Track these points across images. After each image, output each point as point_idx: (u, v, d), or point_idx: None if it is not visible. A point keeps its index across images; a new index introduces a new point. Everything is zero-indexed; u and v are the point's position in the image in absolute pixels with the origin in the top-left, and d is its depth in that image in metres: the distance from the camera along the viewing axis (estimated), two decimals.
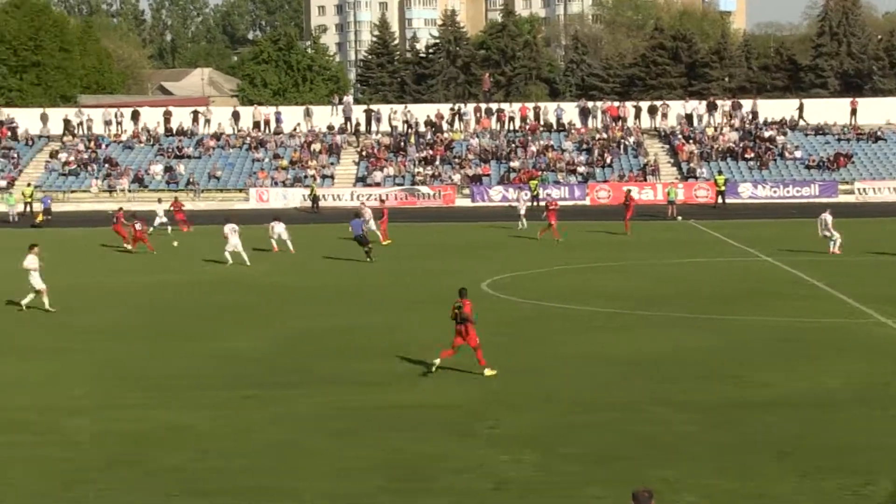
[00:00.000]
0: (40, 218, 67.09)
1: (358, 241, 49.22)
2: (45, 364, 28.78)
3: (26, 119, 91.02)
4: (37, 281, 36.18)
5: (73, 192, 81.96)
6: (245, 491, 18.94)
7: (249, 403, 24.51)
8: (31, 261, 36.23)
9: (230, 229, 48.24)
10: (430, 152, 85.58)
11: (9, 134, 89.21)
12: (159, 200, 65.27)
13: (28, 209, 74.16)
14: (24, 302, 36.25)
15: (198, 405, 24.34)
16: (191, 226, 62.31)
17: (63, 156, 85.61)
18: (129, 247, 52.76)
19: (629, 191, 64.63)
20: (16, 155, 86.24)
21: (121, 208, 58.13)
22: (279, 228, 52.64)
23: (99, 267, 48.62)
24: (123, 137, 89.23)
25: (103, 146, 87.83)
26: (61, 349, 30.76)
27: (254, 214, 71.83)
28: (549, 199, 63.38)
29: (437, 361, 26.74)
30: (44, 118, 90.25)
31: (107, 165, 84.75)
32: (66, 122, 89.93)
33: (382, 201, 61.97)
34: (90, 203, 79.51)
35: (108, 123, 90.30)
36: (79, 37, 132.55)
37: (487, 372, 26.56)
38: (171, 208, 63.41)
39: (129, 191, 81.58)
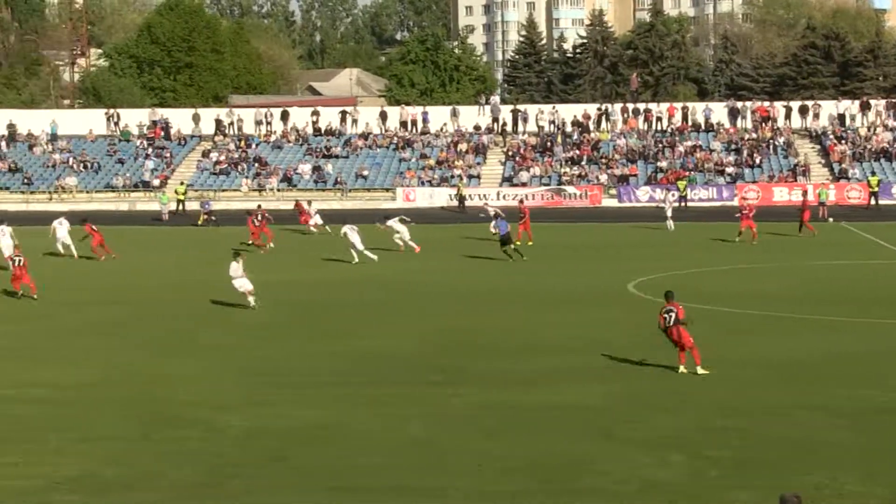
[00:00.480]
0: (202, 219, 68.19)
1: (502, 240, 49.22)
2: (198, 360, 29.32)
3: (179, 119, 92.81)
4: (242, 284, 36.67)
5: (223, 191, 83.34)
6: (392, 489, 19.05)
7: (396, 401, 24.66)
8: (234, 269, 36.64)
9: (349, 229, 48.86)
10: (577, 152, 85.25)
11: (162, 134, 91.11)
12: (308, 203, 66.01)
13: (180, 207, 75.63)
14: (251, 302, 36.72)
15: (345, 403, 24.56)
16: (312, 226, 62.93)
17: (214, 155, 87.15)
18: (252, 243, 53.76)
19: (805, 192, 64.54)
20: (169, 154, 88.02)
21: (259, 206, 59.27)
22: (399, 227, 52.95)
23: (248, 265, 49.22)
24: (273, 137, 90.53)
25: (253, 146, 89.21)
26: (215, 346, 31.30)
27: (398, 214, 72.35)
28: (746, 202, 62.89)
29: (682, 368, 26.65)
30: (196, 118, 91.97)
31: (256, 165, 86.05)
32: (218, 122, 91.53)
33: (522, 202, 61.95)
34: (240, 202, 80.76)
35: (258, 123, 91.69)
36: (230, 38, 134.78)
37: (700, 370, 26.39)
38: (295, 209, 64.24)
39: (278, 190, 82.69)
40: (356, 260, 47.96)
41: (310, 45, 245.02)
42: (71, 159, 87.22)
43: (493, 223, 52.38)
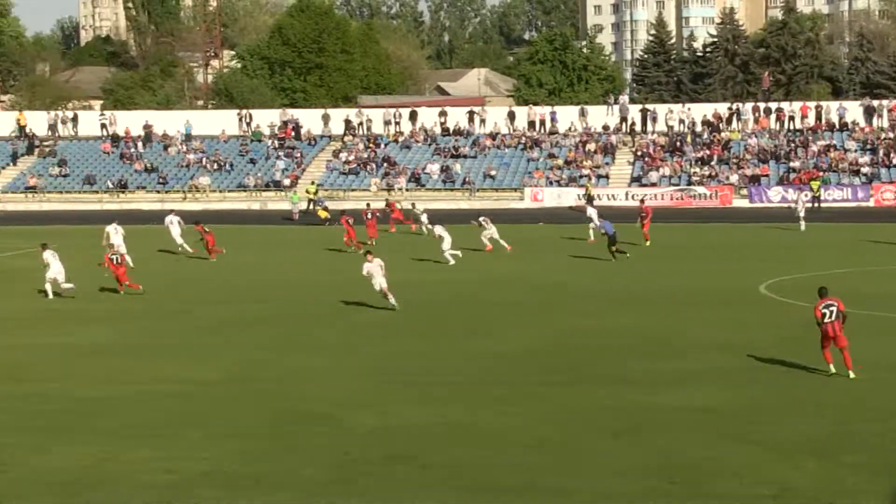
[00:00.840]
0: (324, 214, 68.84)
1: (610, 240, 48.95)
2: (328, 358, 29.56)
3: (309, 119, 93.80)
4: (378, 282, 36.73)
5: (352, 190, 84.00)
6: (519, 488, 19.00)
7: (524, 401, 24.60)
8: (366, 268, 36.70)
9: (441, 230, 49.13)
10: (707, 152, 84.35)
11: (293, 134, 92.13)
12: (413, 205, 66.27)
13: (311, 207, 76.45)
14: (392, 302, 36.75)
15: (474, 402, 24.57)
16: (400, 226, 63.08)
17: (344, 155, 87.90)
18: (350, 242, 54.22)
19: None
20: (299, 154, 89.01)
21: (368, 205, 59.91)
22: (489, 226, 52.90)
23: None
24: (401, 137, 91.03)
25: (382, 145, 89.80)
26: (345, 344, 31.54)
27: (526, 214, 72.34)
28: None
29: (832, 368, 26.16)
30: (325, 118, 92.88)
31: (385, 164, 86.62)
32: (347, 122, 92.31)
33: (643, 201, 61.43)
34: (369, 201, 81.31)
35: (387, 123, 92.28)
36: (360, 39, 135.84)
37: (852, 374, 25.86)
38: (387, 209, 64.52)
39: (406, 189, 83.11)
40: (451, 262, 48.03)
41: (438, 45, 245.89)
42: (204, 159, 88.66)
43: (596, 223, 52.33)
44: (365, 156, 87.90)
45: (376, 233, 56.99)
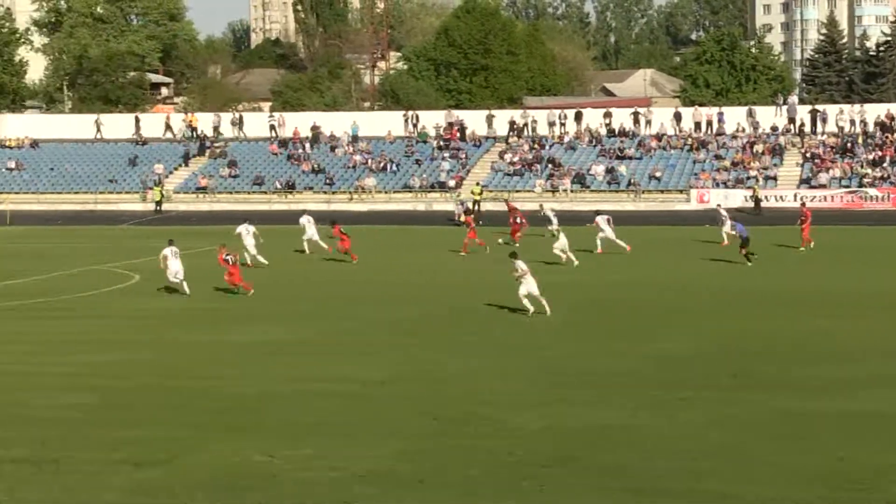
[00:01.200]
0: (463, 219, 68.80)
1: (742, 242, 48.16)
2: (492, 359, 29.64)
3: (474, 120, 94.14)
4: (527, 287, 36.49)
5: (517, 191, 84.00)
6: (682, 492, 18.85)
7: (687, 405, 24.39)
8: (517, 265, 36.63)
9: (558, 230, 49.02)
10: (879, 153, 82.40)
11: (458, 135, 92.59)
12: (540, 206, 65.81)
13: (476, 208, 76.76)
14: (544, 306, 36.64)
15: (637, 404, 24.43)
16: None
17: (508, 156, 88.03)
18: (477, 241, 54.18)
19: None
20: (464, 155, 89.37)
21: (505, 200, 59.77)
22: (605, 227, 52.44)
23: (536, 266, 49.53)
24: (566, 138, 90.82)
25: (547, 146, 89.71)
26: (509, 345, 31.60)
27: (692, 215, 71.56)
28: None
29: None
30: (490, 119, 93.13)
31: (550, 166, 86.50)
32: (512, 123, 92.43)
33: (804, 204, 60.14)
34: (533, 202, 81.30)
35: (551, 124, 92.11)
36: (525, 40, 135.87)
37: None
38: (509, 210, 64.22)
39: (571, 191, 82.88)
40: (576, 262, 47.73)
41: (604, 45, 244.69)
42: (370, 160, 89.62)
43: (729, 224, 51.55)
44: (529, 157, 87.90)
45: (518, 235, 56.86)
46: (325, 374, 28.02)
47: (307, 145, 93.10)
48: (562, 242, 48.46)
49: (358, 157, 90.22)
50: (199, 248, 53.56)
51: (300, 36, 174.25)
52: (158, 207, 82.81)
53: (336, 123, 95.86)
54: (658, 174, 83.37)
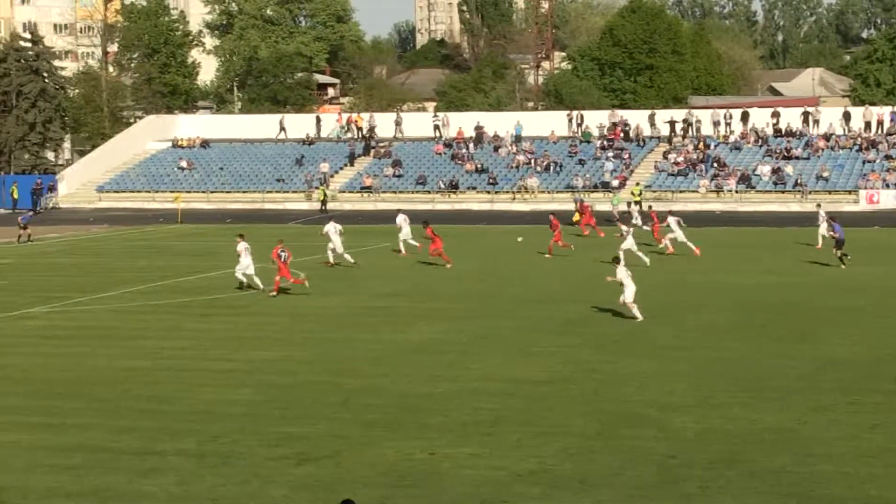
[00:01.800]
0: (578, 218, 68.18)
1: (838, 243, 46.95)
2: (653, 360, 29.43)
3: (638, 120, 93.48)
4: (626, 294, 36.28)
5: (680, 192, 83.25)
6: (847, 499, 18.49)
7: (853, 409, 23.90)
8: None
9: (627, 231, 48.64)
10: None
11: (621, 135, 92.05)
12: (629, 204, 64.88)
13: (631, 207, 76.32)
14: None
15: (800, 408, 24.02)
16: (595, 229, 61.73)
17: (672, 156, 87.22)
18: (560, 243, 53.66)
19: None
20: (627, 155, 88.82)
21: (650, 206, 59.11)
22: (675, 227, 52.22)
23: (699, 266, 48.96)
24: (732, 138, 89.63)
25: (712, 146, 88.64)
26: (670, 346, 31.33)
27: (861, 216, 70.00)
28: None
29: None
30: (654, 119, 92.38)
31: (715, 166, 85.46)
32: (676, 123, 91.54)
33: None
34: (697, 203, 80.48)
35: (716, 124, 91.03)
36: (691, 39, 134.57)
37: None
38: (577, 210, 63.25)
39: (736, 191, 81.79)
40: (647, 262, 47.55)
41: (771, 44, 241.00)
42: (533, 160, 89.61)
43: (825, 226, 50.48)
44: (694, 157, 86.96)
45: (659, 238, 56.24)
46: (486, 373, 28.10)
47: (471, 145, 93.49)
48: (628, 242, 48.37)
49: (521, 157, 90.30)
50: (364, 247, 54.26)
51: (465, 36, 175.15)
52: (324, 206, 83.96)
53: (500, 123, 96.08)
54: (826, 174, 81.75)
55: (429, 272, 47.71)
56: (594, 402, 25.03)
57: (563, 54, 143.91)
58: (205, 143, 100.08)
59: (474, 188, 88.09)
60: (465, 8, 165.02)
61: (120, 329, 35.27)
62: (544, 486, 19.34)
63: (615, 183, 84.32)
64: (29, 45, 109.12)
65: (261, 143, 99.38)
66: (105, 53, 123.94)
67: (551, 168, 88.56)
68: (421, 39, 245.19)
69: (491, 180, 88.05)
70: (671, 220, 52.92)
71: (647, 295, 38.92)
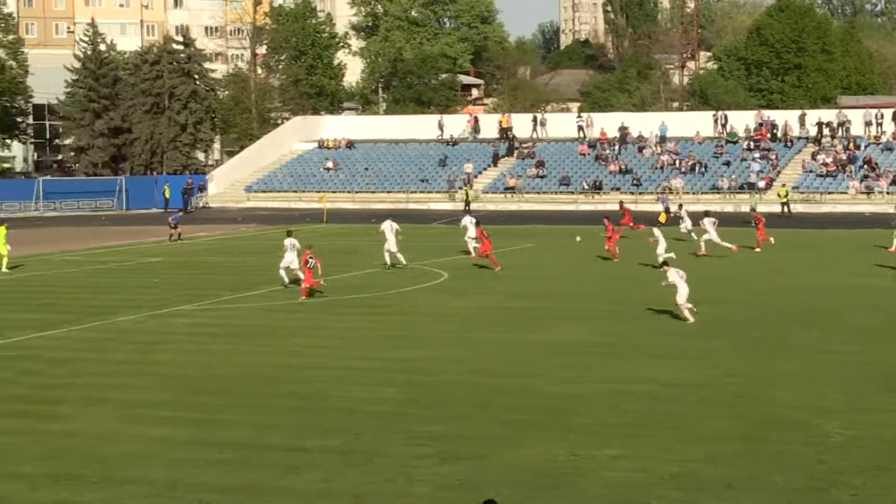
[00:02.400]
0: (664, 218, 67.19)
1: None
2: (803, 363, 28.93)
3: (786, 120, 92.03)
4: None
5: (829, 193, 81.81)
6: None
7: None
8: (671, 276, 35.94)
9: (660, 234, 48.48)
10: None
11: (768, 135, 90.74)
12: (679, 206, 63.60)
13: (785, 210, 75.21)
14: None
15: None
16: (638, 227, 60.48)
17: (821, 157, 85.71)
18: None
19: None
20: (774, 156, 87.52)
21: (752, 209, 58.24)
22: (710, 228, 52.19)
23: (847, 268, 48.05)
24: (883, 139, 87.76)
25: (862, 147, 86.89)
26: (820, 349, 30.78)
27: None
28: None
29: None
30: (802, 119, 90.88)
31: (865, 167, 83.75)
32: (826, 123, 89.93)
33: None
34: (846, 205, 79.04)
35: (867, 124, 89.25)
36: (841, 38, 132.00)
37: None
38: (620, 211, 62.05)
39: (888, 193, 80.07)
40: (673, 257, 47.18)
41: None
42: (678, 160, 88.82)
43: None
44: (843, 157, 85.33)
45: (763, 237, 55.42)
46: (630, 375, 27.92)
47: (615, 146, 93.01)
48: (662, 245, 48.13)
49: (665, 158, 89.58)
50: (507, 248, 54.32)
51: (609, 36, 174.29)
52: (467, 207, 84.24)
53: (644, 124, 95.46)
54: None
55: (566, 273, 47.56)
56: (739, 405, 24.71)
57: (709, 54, 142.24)
58: (350, 144, 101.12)
59: (618, 189, 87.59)
60: (609, 8, 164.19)
61: (266, 327, 35.81)
62: (688, 490, 19.16)
63: (761, 184, 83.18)
64: (181, 47, 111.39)
65: (405, 143, 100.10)
66: (254, 55, 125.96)
67: (696, 169, 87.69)
68: (565, 40, 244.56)
69: (635, 181, 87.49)
70: (706, 221, 52.93)
71: (793, 296, 38.43)
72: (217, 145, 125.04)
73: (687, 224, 58.29)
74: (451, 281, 46.01)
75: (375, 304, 40.33)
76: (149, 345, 32.88)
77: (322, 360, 30.32)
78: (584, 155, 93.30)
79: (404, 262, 49.40)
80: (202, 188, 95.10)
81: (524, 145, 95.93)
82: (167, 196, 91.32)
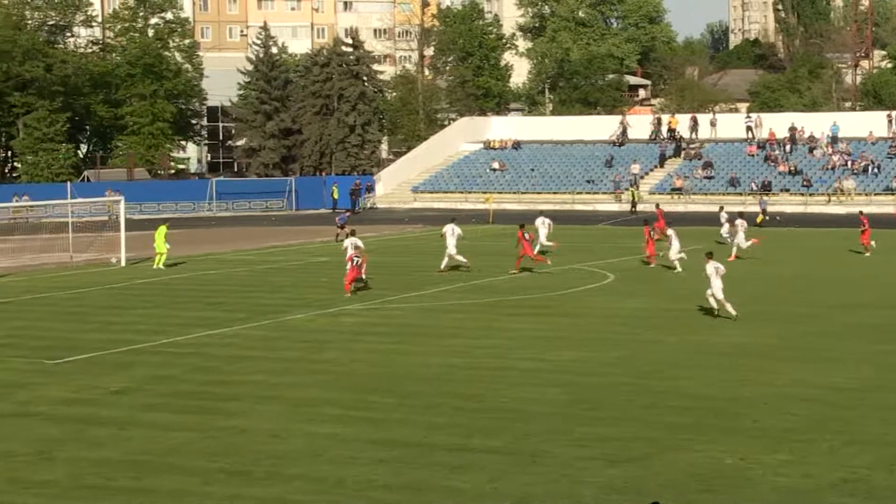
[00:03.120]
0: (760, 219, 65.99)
1: None
2: None
3: None
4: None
5: None
6: None
7: None
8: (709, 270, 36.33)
9: (674, 234, 48.57)
10: None
11: None
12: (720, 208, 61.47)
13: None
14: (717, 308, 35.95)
15: None
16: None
17: None
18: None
19: None
20: None
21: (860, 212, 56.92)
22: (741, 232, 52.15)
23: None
24: None
25: None
26: None
27: None
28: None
29: None
30: None
31: None
32: None
33: None
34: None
35: None
36: None
37: None
38: (657, 213, 59.96)
39: None
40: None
41: None
42: (850, 161, 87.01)
43: None
44: None
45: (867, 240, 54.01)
46: (798, 378, 27.52)
47: (785, 146, 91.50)
48: (675, 246, 47.92)
49: (837, 158, 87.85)
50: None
51: (780, 35, 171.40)
52: (634, 208, 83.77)
53: (815, 124, 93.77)
54: None
55: (733, 274, 47.01)
56: None
57: (884, 52, 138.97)
58: (516, 145, 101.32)
59: (787, 190, 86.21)
60: (780, 7, 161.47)
61: (432, 327, 36.11)
62: (860, 497, 18.82)
63: None
64: (350, 49, 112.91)
65: (571, 144, 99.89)
66: (421, 57, 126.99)
67: (869, 170, 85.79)
68: (734, 39, 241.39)
69: (805, 182, 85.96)
70: (739, 222, 52.93)
71: None
72: (384, 146, 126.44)
73: (725, 228, 57.08)
74: (617, 282, 45.83)
75: (541, 305, 40.37)
76: (317, 343, 33.43)
77: (487, 361, 30.47)
78: (752, 155, 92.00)
79: (464, 261, 49.55)
80: (370, 189, 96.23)
81: (691, 146, 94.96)
82: (335, 197, 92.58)
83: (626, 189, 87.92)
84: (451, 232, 49.45)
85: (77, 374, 29.28)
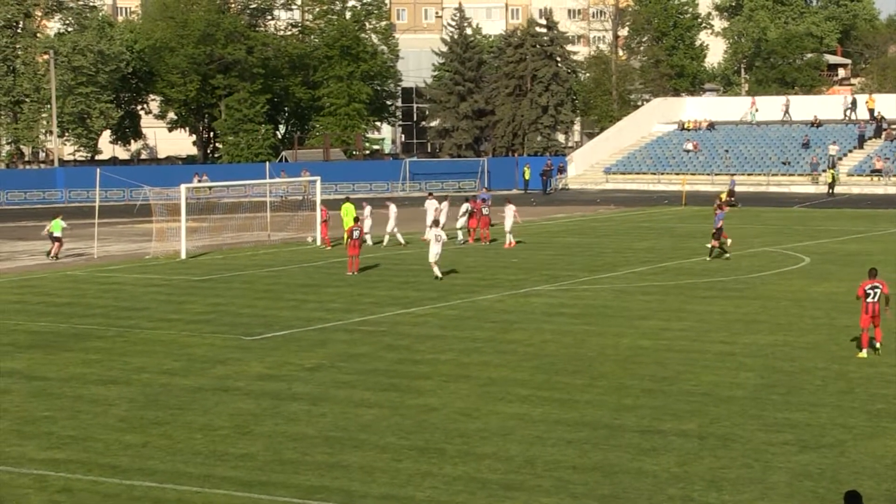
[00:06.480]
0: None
1: None
2: None
3: None
4: None
5: None
6: None
7: None
8: None
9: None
10: None
11: None
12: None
13: None
14: None
15: None
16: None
17: None
18: None
19: None
20: None
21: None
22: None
23: None
24: None
25: None
26: None
27: None
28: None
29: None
30: None
31: None
32: None
33: None
34: None
35: None
36: None
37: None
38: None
39: None
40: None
41: None
42: None
43: None
44: None
45: None
46: None
47: None
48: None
49: None
50: (869, 232, 52.52)
51: None
52: (831, 190, 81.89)
53: None
54: None
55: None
56: None
57: None
58: (711, 126, 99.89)
59: None
60: None
61: (623, 308, 35.94)
62: None
63: None
64: (544, 30, 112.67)
65: (767, 125, 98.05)
66: (615, 37, 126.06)
67: None
68: None
69: None
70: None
71: None
72: (577, 127, 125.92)
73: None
74: (812, 265, 44.93)
75: (733, 288, 39.83)
76: (507, 323, 33.57)
77: (677, 343, 30.23)
78: None
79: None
80: (562, 170, 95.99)
81: (892, 127, 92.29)
82: (527, 178, 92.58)
83: (824, 171, 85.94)
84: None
85: (273, 351, 29.99)
